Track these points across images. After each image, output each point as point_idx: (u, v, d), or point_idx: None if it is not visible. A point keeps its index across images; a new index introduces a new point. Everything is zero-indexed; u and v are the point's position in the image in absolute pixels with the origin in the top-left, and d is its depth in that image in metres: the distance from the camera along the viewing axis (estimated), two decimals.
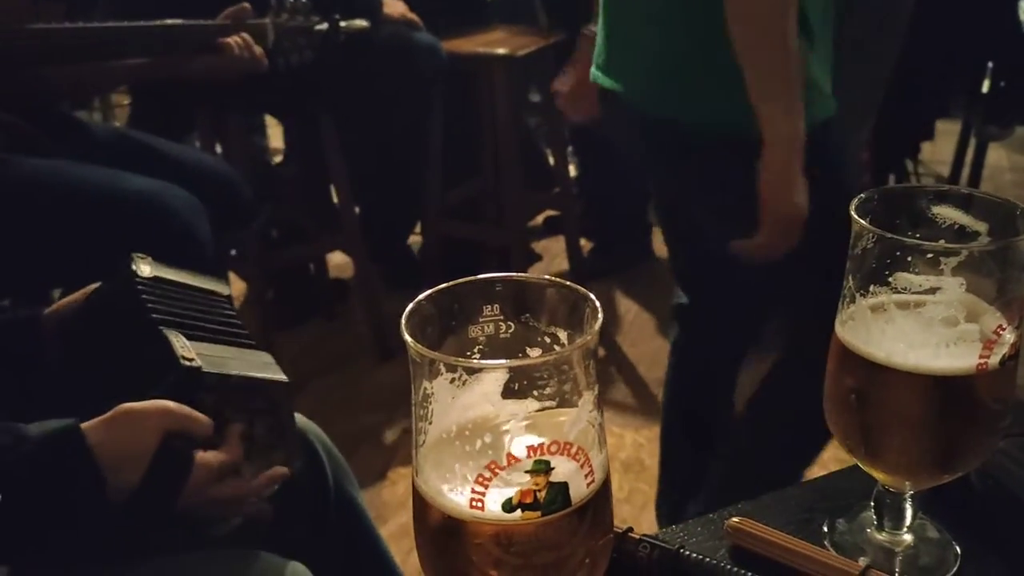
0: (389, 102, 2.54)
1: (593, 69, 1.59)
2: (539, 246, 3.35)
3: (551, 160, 3.12)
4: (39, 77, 1.74)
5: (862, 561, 0.69)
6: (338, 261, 3.07)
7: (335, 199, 2.68)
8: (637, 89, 1.51)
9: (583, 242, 3.18)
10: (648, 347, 2.73)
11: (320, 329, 2.89)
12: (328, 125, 2.44)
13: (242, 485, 0.97)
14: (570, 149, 3.21)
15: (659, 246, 3.21)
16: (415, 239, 3.22)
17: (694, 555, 0.70)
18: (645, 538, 0.71)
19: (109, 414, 0.89)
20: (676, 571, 0.70)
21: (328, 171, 2.56)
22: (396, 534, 1.97)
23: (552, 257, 3.28)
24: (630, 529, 0.72)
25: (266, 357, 1.07)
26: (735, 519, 0.73)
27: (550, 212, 3.42)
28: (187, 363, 0.94)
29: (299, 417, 1.20)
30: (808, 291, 1.41)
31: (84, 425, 0.88)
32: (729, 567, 0.69)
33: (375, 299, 2.70)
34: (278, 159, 3.26)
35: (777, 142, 1.32)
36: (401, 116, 2.68)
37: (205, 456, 0.93)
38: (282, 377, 1.03)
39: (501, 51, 2.68)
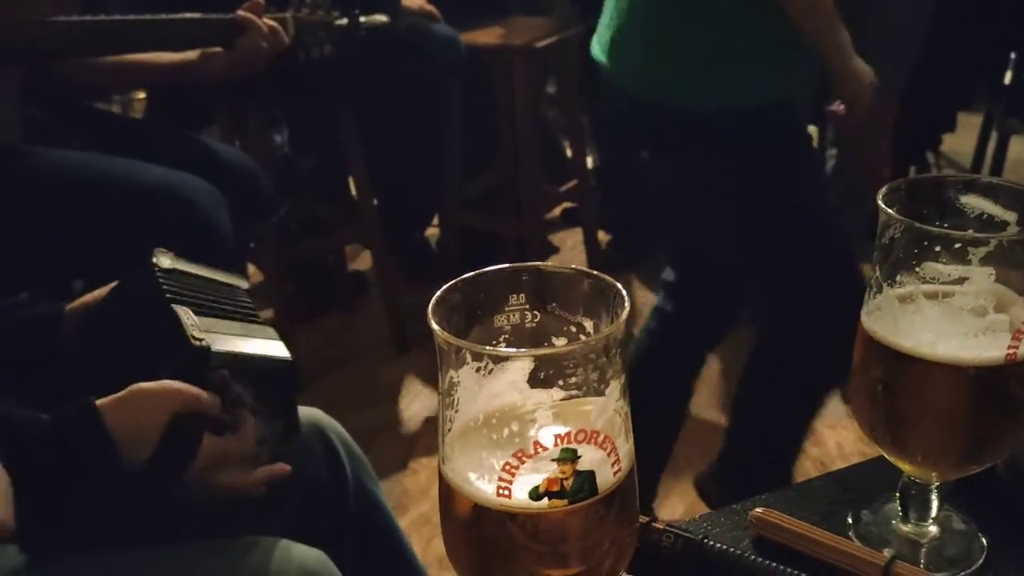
0: (407, 94, 2.54)
1: (593, 43, 1.63)
2: (556, 238, 3.34)
3: (569, 152, 3.11)
4: (60, 70, 1.75)
5: (887, 552, 0.68)
6: (356, 253, 3.08)
7: (353, 192, 2.69)
8: (625, 67, 1.56)
9: (601, 234, 3.18)
10: None
11: (338, 321, 2.90)
12: (347, 118, 2.44)
13: (241, 476, 0.98)
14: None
15: None
16: (432, 231, 3.22)
17: (718, 545, 0.70)
18: (669, 528, 0.71)
19: (122, 392, 0.91)
20: (700, 561, 0.70)
21: (346, 164, 2.57)
22: (417, 522, 1.98)
23: (569, 249, 3.27)
24: (653, 519, 0.72)
25: (271, 332, 1.09)
26: (759, 510, 0.73)
27: (567, 204, 3.42)
28: (197, 343, 0.96)
29: (317, 412, 1.21)
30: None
31: (99, 402, 0.90)
32: (753, 557, 0.69)
33: (393, 291, 2.70)
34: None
35: (860, 88, 1.51)
36: (419, 108, 2.68)
37: (213, 441, 0.95)
38: (287, 355, 1.06)
39: (519, 43, 2.67)
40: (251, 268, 2.61)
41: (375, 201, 2.71)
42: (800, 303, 1.61)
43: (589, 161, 3.20)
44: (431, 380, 2.50)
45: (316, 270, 2.95)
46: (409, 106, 2.64)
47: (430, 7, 2.55)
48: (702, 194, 1.62)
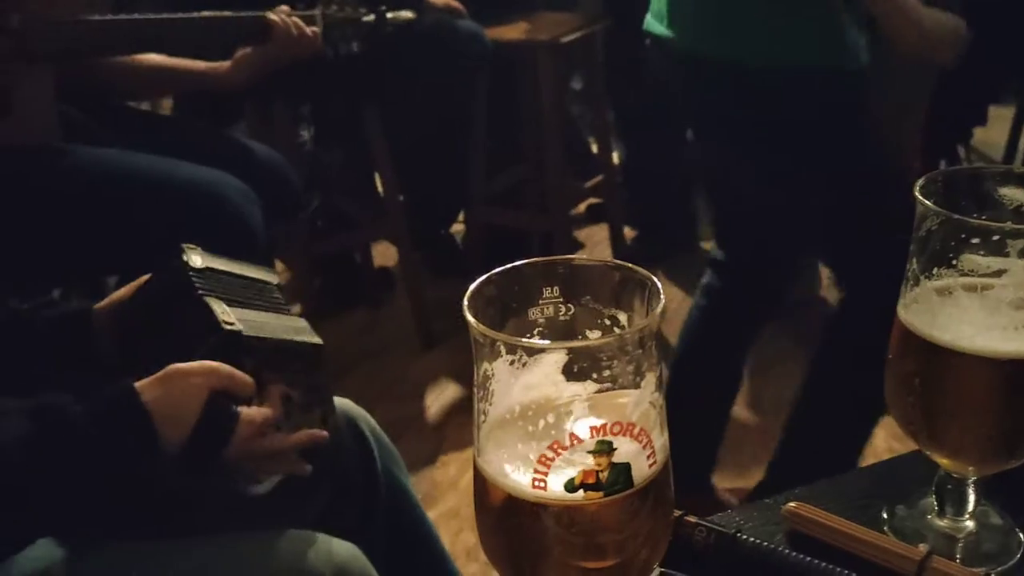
0: (433, 90, 2.55)
1: (649, 18, 1.61)
2: (582, 234, 3.34)
3: (594, 147, 3.11)
4: (93, 71, 1.77)
5: (923, 547, 0.68)
6: (382, 249, 3.09)
7: (380, 188, 2.69)
8: (692, 32, 1.54)
9: (626, 230, 3.17)
10: None
11: (364, 317, 2.91)
12: (373, 114, 2.45)
13: (282, 439, 0.99)
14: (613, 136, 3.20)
15: (704, 235, 3.19)
16: (457, 227, 3.23)
17: (751, 539, 0.69)
18: (702, 522, 0.71)
19: (160, 373, 0.93)
20: (733, 555, 0.70)
21: (373, 160, 2.58)
22: (445, 515, 1.99)
23: (595, 245, 3.27)
24: (686, 513, 0.72)
25: (301, 322, 1.11)
26: (792, 504, 0.72)
27: (593, 200, 3.41)
28: (228, 327, 0.97)
29: (347, 402, 1.21)
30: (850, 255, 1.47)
31: (137, 384, 0.92)
32: (787, 552, 0.68)
33: (419, 287, 2.71)
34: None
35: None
36: (445, 104, 2.69)
37: (248, 411, 0.96)
38: (317, 340, 1.07)
39: (544, 38, 2.67)
40: (278, 264, 2.63)
41: (401, 197, 2.72)
42: (871, 275, 1.59)
43: (615, 156, 3.19)
44: (457, 375, 2.51)
45: (343, 266, 2.97)
46: (435, 102, 2.65)
47: (456, 3, 2.55)
48: (771, 158, 1.59)
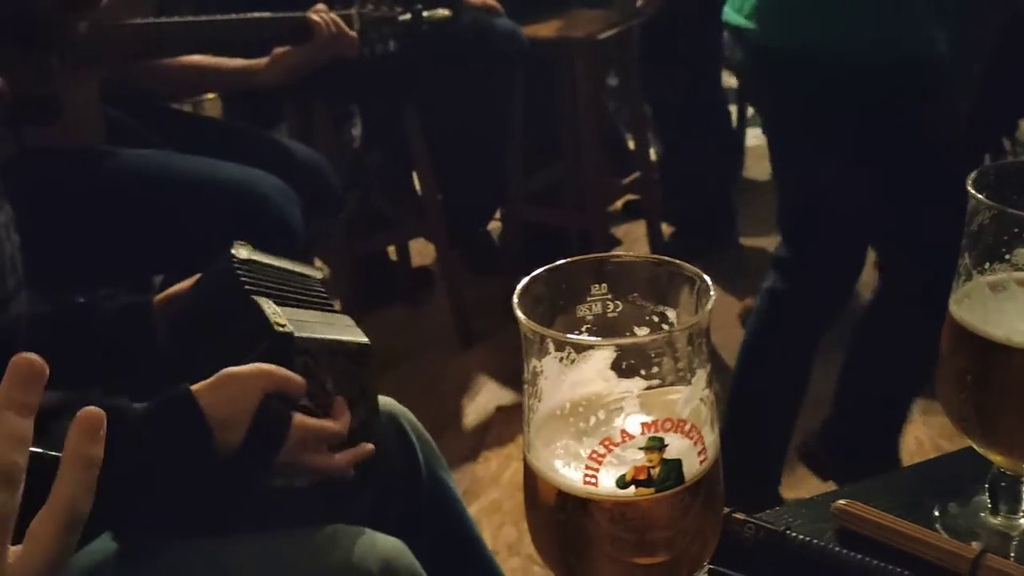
0: (470, 88, 2.55)
1: (727, 9, 1.60)
2: (619, 231, 3.33)
3: (631, 144, 3.09)
4: (136, 72, 1.80)
5: (976, 545, 0.67)
6: (420, 248, 3.10)
7: (418, 187, 2.71)
8: (775, 23, 1.52)
9: (664, 226, 3.16)
10: (731, 333, 2.68)
11: (403, 315, 2.93)
12: (410, 113, 2.46)
13: (330, 458, 1.00)
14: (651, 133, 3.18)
15: (743, 232, 3.17)
16: (494, 225, 3.23)
17: (801, 537, 0.69)
18: (750, 519, 0.71)
19: (214, 378, 0.94)
20: (782, 553, 0.69)
21: (411, 159, 2.59)
22: (487, 510, 2.00)
23: (632, 242, 3.26)
24: (734, 509, 0.71)
25: (347, 320, 1.13)
26: (842, 501, 0.72)
27: (630, 196, 3.40)
28: (280, 328, 0.98)
29: (389, 400, 1.22)
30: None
31: (193, 387, 0.94)
32: (837, 549, 0.68)
33: (458, 286, 2.72)
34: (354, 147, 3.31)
35: None
36: (482, 102, 2.69)
37: (302, 419, 0.97)
38: (364, 339, 1.08)
39: (581, 35, 2.66)
40: (317, 262, 2.65)
41: (438, 196, 2.73)
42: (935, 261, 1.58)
43: (652, 153, 3.18)
44: (496, 372, 2.51)
45: (381, 265, 2.99)
46: (471, 100, 2.65)
47: (492, 1, 2.55)
48: (852, 151, 1.58)
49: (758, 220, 3.21)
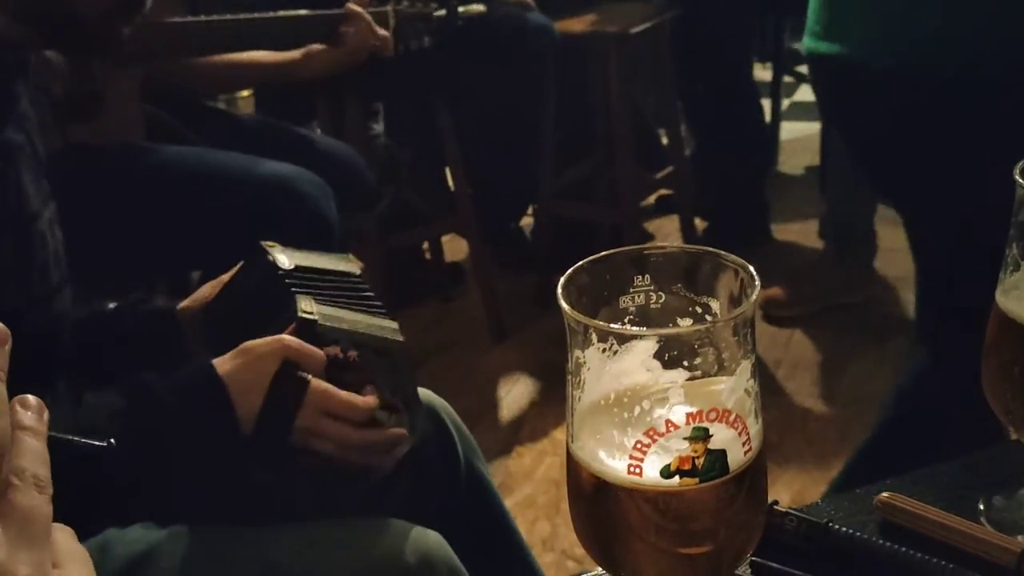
0: (503, 83, 2.55)
1: (807, 40, 1.45)
2: (652, 225, 3.32)
3: (664, 139, 3.08)
4: (171, 70, 1.83)
5: (1022, 539, 0.66)
6: (452, 243, 3.12)
7: (450, 182, 2.71)
8: (861, 42, 1.36)
9: (697, 221, 3.14)
10: (763, 329, 2.68)
11: (435, 311, 2.94)
12: (443, 108, 2.47)
13: (353, 431, 0.99)
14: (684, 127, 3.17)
15: (776, 225, 3.14)
16: (526, 220, 3.23)
17: (843, 529, 0.69)
18: (792, 511, 0.70)
19: (233, 351, 0.96)
20: (824, 545, 0.69)
21: (444, 154, 2.60)
22: (521, 504, 2.01)
23: (665, 236, 3.24)
24: (775, 502, 0.71)
25: (393, 325, 1.09)
26: (884, 494, 0.71)
27: (662, 191, 3.39)
28: (305, 315, 0.99)
29: (428, 392, 1.22)
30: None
31: (214, 360, 0.96)
32: (880, 542, 0.68)
33: (490, 281, 2.73)
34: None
35: None
36: (514, 97, 2.69)
37: (323, 384, 0.97)
38: (399, 337, 1.06)
39: (614, 29, 2.65)
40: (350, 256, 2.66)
41: (470, 191, 2.74)
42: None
43: (685, 147, 3.17)
44: (529, 367, 2.52)
45: (413, 260, 3.00)
46: (504, 95, 2.66)
47: None
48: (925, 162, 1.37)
49: (791, 213, 3.19)
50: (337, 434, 0.98)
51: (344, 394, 0.98)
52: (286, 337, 0.97)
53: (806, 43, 1.45)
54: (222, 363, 0.95)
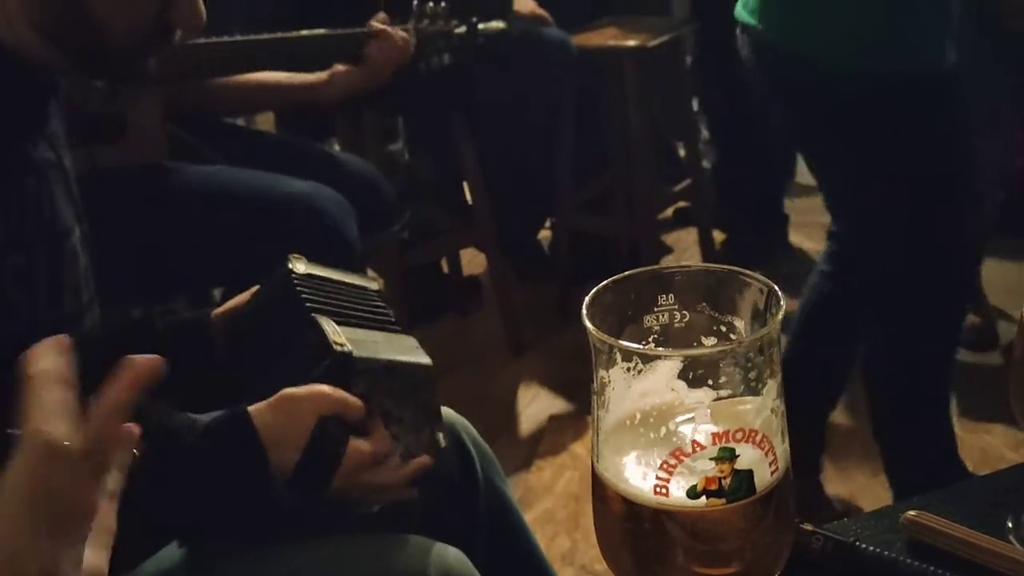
0: (521, 98, 2.56)
1: (739, 7, 1.62)
2: (670, 238, 3.31)
3: (682, 152, 3.08)
4: (198, 92, 1.84)
5: None
6: (470, 257, 3.12)
7: (469, 197, 2.72)
8: (776, 23, 1.55)
9: (715, 233, 3.13)
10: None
11: (453, 325, 2.94)
12: (462, 124, 2.48)
13: (390, 474, 1.00)
14: (704, 137, 3.16)
15: (796, 238, 3.13)
16: (543, 233, 3.24)
17: (871, 548, 0.68)
18: (819, 530, 0.70)
19: (271, 399, 0.95)
20: (851, 564, 0.69)
21: (462, 169, 2.61)
22: (540, 519, 2.00)
23: (683, 249, 3.24)
24: (801, 521, 0.71)
25: (412, 341, 1.11)
26: (912, 512, 0.71)
27: (680, 203, 3.38)
28: (339, 348, 0.98)
29: (447, 410, 1.23)
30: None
31: (250, 408, 0.95)
32: (908, 560, 0.67)
33: (508, 295, 2.73)
34: None
35: None
36: (532, 112, 2.70)
37: (358, 443, 0.97)
38: (427, 360, 1.07)
39: (631, 43, 2.66)
40: (370, 272, 2.68)
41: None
42: (901, 294, 1.58)
43: (703, 160, 3.16)
44: (547, 381, 2.51)
45: (431, 274, 3.01)
46: (522, 110, 2.67)
47: (541, 11, 2.56)
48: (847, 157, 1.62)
49: (810, 226, 3.17)
50: (375, 484, 0.99)
51: (377, 446, 0.98)
52: (325, 389, 0.96)
53: (739, 12, 1.61)
54: (259, 413, 0.94)
